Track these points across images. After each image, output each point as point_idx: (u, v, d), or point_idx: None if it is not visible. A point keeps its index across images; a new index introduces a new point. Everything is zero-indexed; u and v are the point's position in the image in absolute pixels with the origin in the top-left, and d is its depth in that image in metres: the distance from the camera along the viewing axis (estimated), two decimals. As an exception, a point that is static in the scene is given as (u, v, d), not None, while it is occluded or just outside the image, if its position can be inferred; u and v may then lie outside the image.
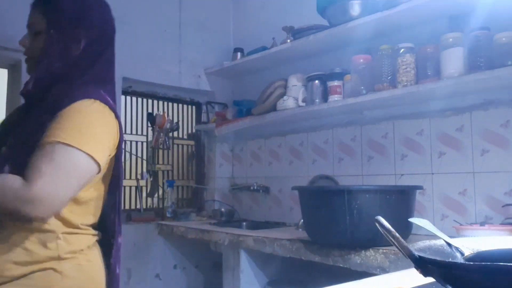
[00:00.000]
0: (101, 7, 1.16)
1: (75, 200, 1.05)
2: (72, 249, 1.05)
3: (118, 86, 2.88)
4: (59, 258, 1.03)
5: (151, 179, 3.14)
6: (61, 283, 1.02)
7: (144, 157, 3.16)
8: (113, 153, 1.12)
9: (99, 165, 1.03)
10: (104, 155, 1.06)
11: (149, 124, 3.16)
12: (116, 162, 1.15)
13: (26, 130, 1.07)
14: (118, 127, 1.13)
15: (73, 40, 1.09)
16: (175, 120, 3.30)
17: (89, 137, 1.01)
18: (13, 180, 0.94)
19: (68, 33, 1.09)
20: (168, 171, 3.28)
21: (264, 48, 2.82)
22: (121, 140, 1.14)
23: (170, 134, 3.22)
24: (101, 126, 1.06)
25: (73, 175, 0.98)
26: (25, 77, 2.77)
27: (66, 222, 1.05)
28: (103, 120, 1.07)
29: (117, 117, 1.12)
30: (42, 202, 0.92)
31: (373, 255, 1.66)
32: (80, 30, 1.10)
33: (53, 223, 1.03)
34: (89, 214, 1.12)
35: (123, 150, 2.95)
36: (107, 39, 1.17)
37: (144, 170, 3.12)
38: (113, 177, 1.17)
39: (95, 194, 1.12)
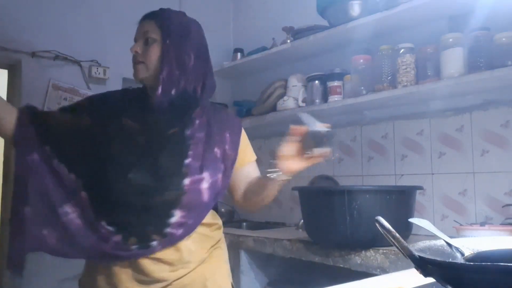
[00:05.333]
0: (199, 26, 1.33)
1: None
2: None
3: (118, 87, 2.88)
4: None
5: (151, 179, 3.13)
6: None
7: (144, 157, 3.15)
8: None
9: None
10: None
11: (149, 125, 3.15)
12: None
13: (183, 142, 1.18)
14: None
15: (185, 52, 1.21)
16: (175, 120, 3.29)
17: None
18: None
19: (181, 46, 1.21)
20: (168, 171, 3.27)
21: (264, 49, 2.82)
22: None
23: (170, 135, 3.21)
24: None
25: None
26: (25, 77, 2.75)
27: None
28: None
29: None
30: None
31: (373, 255, 1.66)
32: (188, 44, 1.22)
33: None
34: None
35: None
36: (207, 55, 1.29)
37: (144, 170, 3.11)
38: None
39: None
